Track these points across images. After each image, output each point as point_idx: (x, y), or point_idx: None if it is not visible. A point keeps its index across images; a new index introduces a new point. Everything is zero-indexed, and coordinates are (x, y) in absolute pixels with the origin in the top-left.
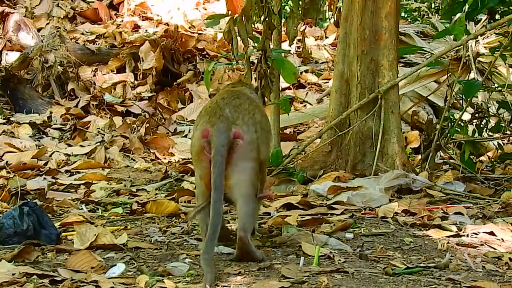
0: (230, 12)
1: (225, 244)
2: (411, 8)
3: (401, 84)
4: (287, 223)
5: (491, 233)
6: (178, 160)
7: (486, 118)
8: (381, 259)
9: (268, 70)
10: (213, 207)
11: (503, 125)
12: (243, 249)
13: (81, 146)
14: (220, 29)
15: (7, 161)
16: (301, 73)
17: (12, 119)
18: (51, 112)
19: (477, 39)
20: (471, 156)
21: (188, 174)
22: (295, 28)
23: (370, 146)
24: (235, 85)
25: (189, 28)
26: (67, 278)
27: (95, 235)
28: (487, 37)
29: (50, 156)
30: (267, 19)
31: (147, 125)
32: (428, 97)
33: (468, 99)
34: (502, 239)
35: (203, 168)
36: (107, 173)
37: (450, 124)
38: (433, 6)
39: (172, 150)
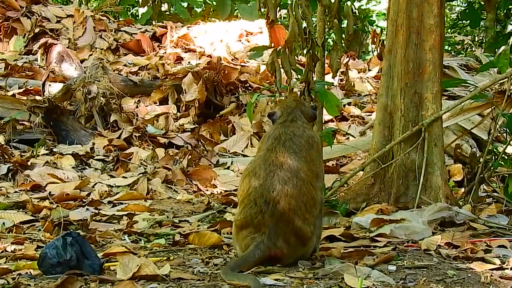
0: (273, 44)
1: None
2: (454, 41)
3: (445, 117)
4: (330, 255)
5: None
6: (221, 192)
7: None
8: None
9: (311, 102)
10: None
11: None
12: None
13: (123, 177)
14: (263, 61)
15: (50, 192)
16: (344, 105)
17: (55, 150)
18: (93, 143)
19: None
20: None
21: (231, 206)
22: (339, 60)
23: (413, 179)
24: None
25: (232, 60)
26: None
27: (137, 265)
28: None
29: (93, 187)
30: (310, 51)
31: (190, 156)
32: (472, 130)
33: None
34: None
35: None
36: (150, 204)
37: (493, 158)
38: (476, 39)
39: (215, 182)
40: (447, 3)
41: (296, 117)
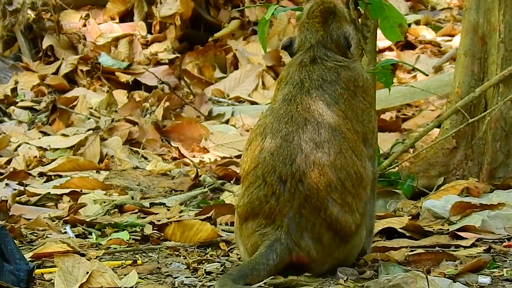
0: None
1: None
2: None
3: None
4: (387, 260)
5: None
6: (215, 159)
7: None
8: None
9: (359, 20)
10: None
11: None
12: None
13: (63, 135)
14: None
15: None
16: (410, 25)
17: None
18: (16, 82)
19: None
20: None
21: (231, 182)
22: None
23: None
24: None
25: None
26: None
27: (87, 273)
28: None
29: (16, 150)
30: None
31: (167, 104)
32: None
33: None
34: None
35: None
36: (104, 178)
37: None
38: None
39: (206, 144)
40: None
41: (322, 53)
